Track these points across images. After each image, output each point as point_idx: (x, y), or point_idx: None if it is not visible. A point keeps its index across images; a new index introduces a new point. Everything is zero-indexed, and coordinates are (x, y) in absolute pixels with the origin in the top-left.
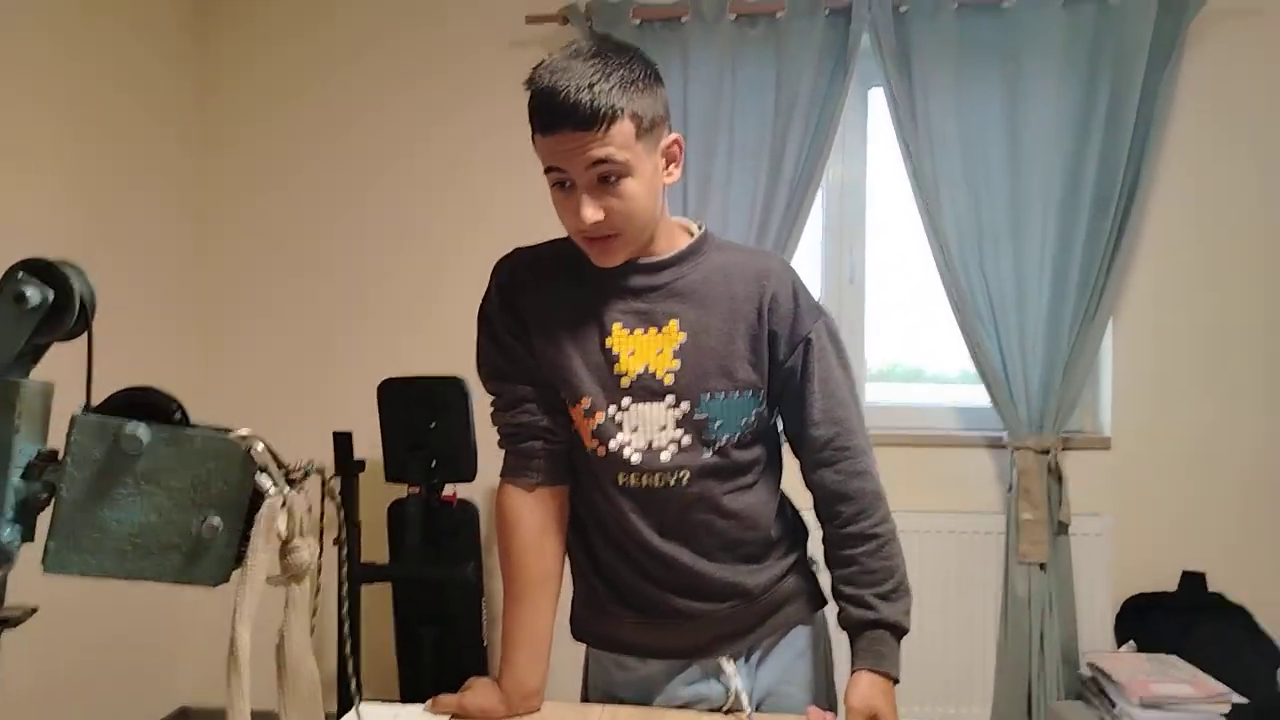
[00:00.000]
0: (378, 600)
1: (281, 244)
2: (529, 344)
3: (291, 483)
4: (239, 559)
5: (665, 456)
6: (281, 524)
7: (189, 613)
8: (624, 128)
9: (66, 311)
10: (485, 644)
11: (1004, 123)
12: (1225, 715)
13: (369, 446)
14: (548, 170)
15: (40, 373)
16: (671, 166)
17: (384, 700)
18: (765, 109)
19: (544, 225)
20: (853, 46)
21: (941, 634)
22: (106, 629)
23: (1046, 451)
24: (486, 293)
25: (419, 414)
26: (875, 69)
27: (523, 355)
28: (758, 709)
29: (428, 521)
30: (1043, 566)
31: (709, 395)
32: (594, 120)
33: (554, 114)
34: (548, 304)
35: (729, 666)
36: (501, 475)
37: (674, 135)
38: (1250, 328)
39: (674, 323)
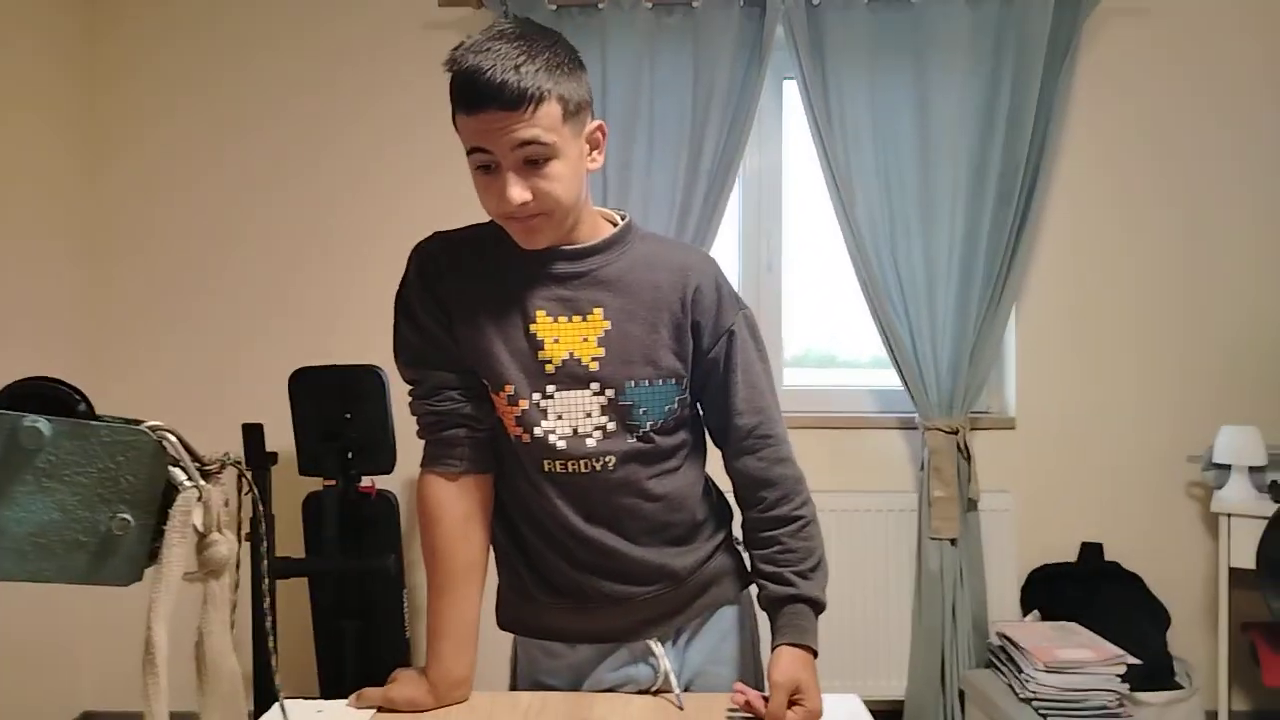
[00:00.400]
0: (294, 595)
1: (188, 232)
2: (450, 329)
3: (207, 475)
4: (152, 555)
5: (591, 443)
6: (198, 518)
7: (91, 612)
8: (551, 109)
9: None
10: (408, 637)
11: (914, 115)
12: (1121, 676)
13: (281, 438)
14: (470, 151)
15: None
16: (595, 152)
17: (305, 697)
18: (684, 98)
19: (462, 213)
20: (768, 37)
21: (860, 609)
22: (1, 631)
23: (956, 431)
24: (404, 277)
25: (334, 404)
26: (790, 60)
27: (444, 341)
28: (686, 689)
29: (345, 514)
30: (953, 542)
31: (633, 383)
32: (521, 100)
33: (479, 93)
34: (469, 289)
35: (658, 649)
36: (422, 465)
37: (597, 121)
38: (1141, 315)
39: (598, 310)
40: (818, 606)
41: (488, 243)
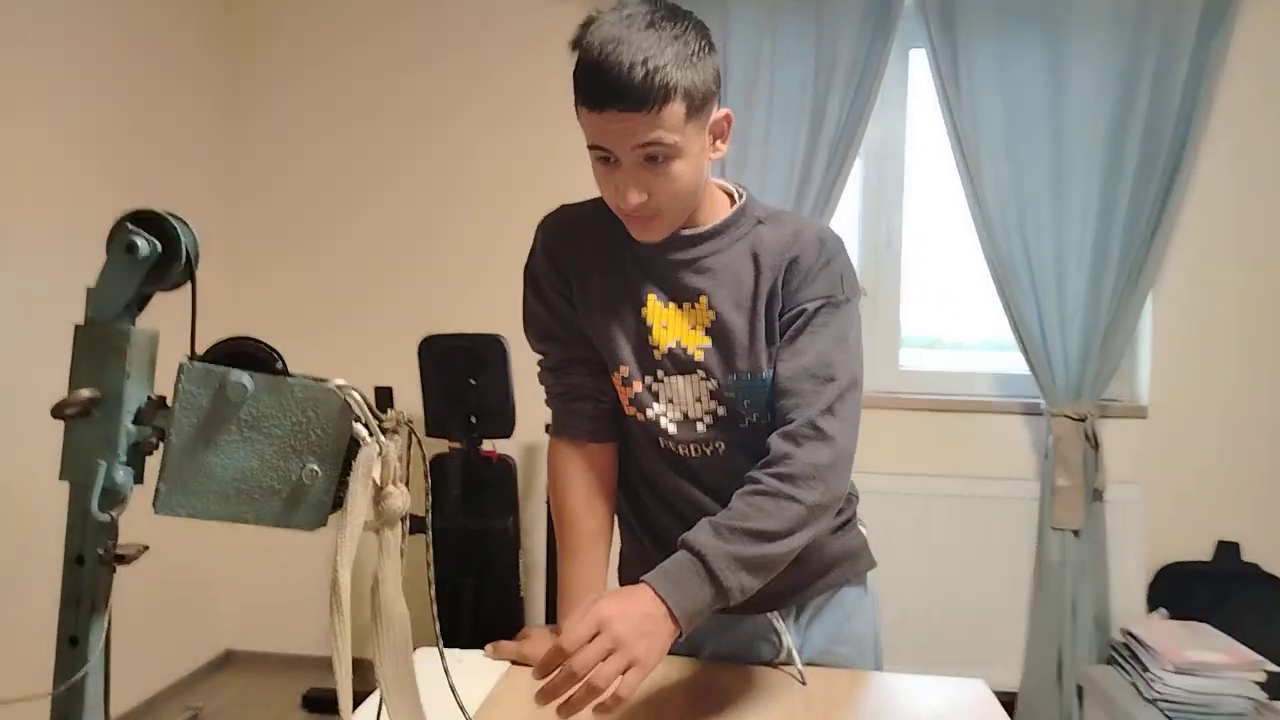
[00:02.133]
0: (416, 552)
1: (324, 201)
2: (574, 304)
3: (385, 433)
4: (335, 504)
5: (700, 428)
6: (376, 472)
7: (231, 558)
8: (675, 109)
9: (174, 262)
10: (521, 595)
11: (1047, 87)
12: (1260, 684)
13: (410, 402)
14: (591, 145)
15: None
16: (719, 142)
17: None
18: (806, 68)
19: (590, 182)
20: (896, 6)
21: (974, 597)
22: (150, 575)
23: (1083, 419)
24: (532, 250)
25: (459, 371)
26: (918, 29)
27: (569, 315)
28: (809, 665)
29: (468, 476)
30: (1076, 533)
31: (735, 377)
32: (646, 102)
33: (603, 92)
34: (590, 266)
35: (779, 624)
36: (552, 433)
37: (724, 111)
38: None
39: (704, 299)
40: (709, 571)
41: (611, 219)
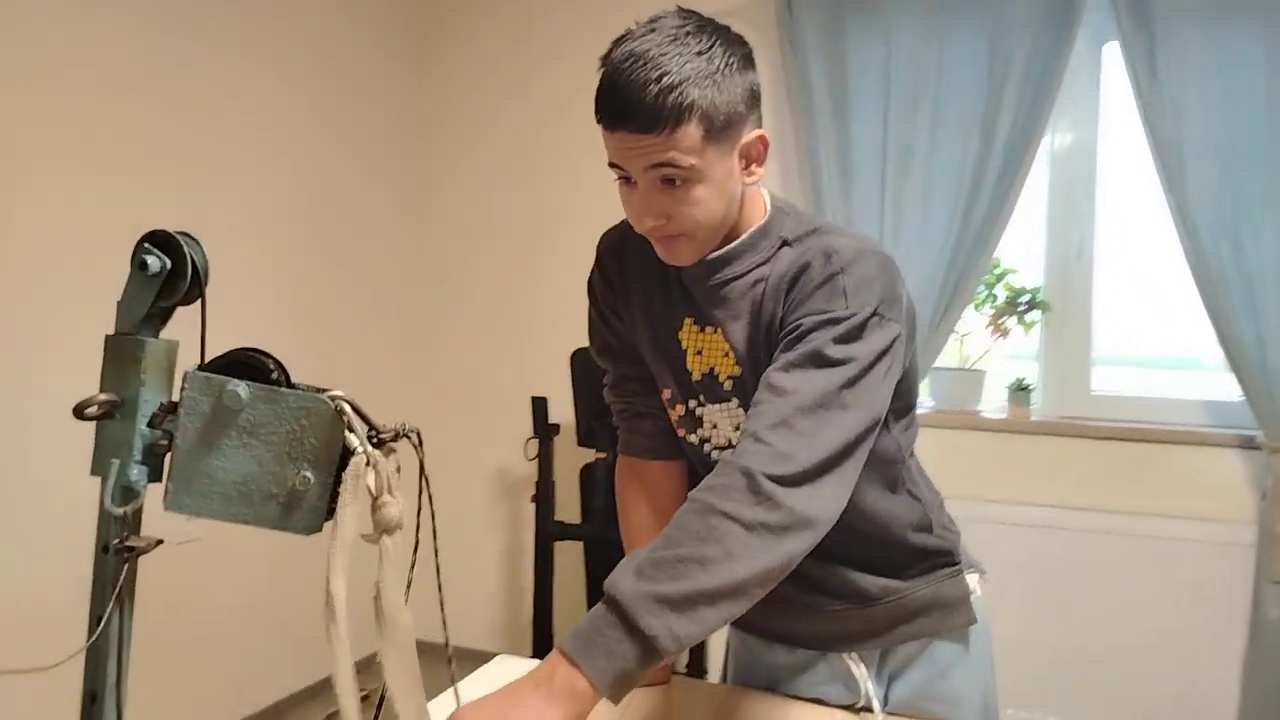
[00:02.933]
0: (574, 559)
1: (490, 222)
2: (626, 322)
3: (380, 444)
4: (331, 512)
5: None
6: (370, 481)
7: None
8: (690, 131)
9: (182, 278)
10: None
11: (1263, 77)
12: None
13: (564, 411)
14: (611, 164)
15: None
16: (753, 166)
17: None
18: (977, 71)
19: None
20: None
21: (1177, 654)
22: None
23: None
24: (593, 266)
25: None
26: (1108, 21)
27: (623, 332)
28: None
29: (613, 486)
30: None
31: None
32: (656, 123)
33: (615, 112)
34: (638, 284)
35: (858, 669)
36: (618, 451)
37: (757, 132)
38: None
39: (721, 330)
40: (626, 619)
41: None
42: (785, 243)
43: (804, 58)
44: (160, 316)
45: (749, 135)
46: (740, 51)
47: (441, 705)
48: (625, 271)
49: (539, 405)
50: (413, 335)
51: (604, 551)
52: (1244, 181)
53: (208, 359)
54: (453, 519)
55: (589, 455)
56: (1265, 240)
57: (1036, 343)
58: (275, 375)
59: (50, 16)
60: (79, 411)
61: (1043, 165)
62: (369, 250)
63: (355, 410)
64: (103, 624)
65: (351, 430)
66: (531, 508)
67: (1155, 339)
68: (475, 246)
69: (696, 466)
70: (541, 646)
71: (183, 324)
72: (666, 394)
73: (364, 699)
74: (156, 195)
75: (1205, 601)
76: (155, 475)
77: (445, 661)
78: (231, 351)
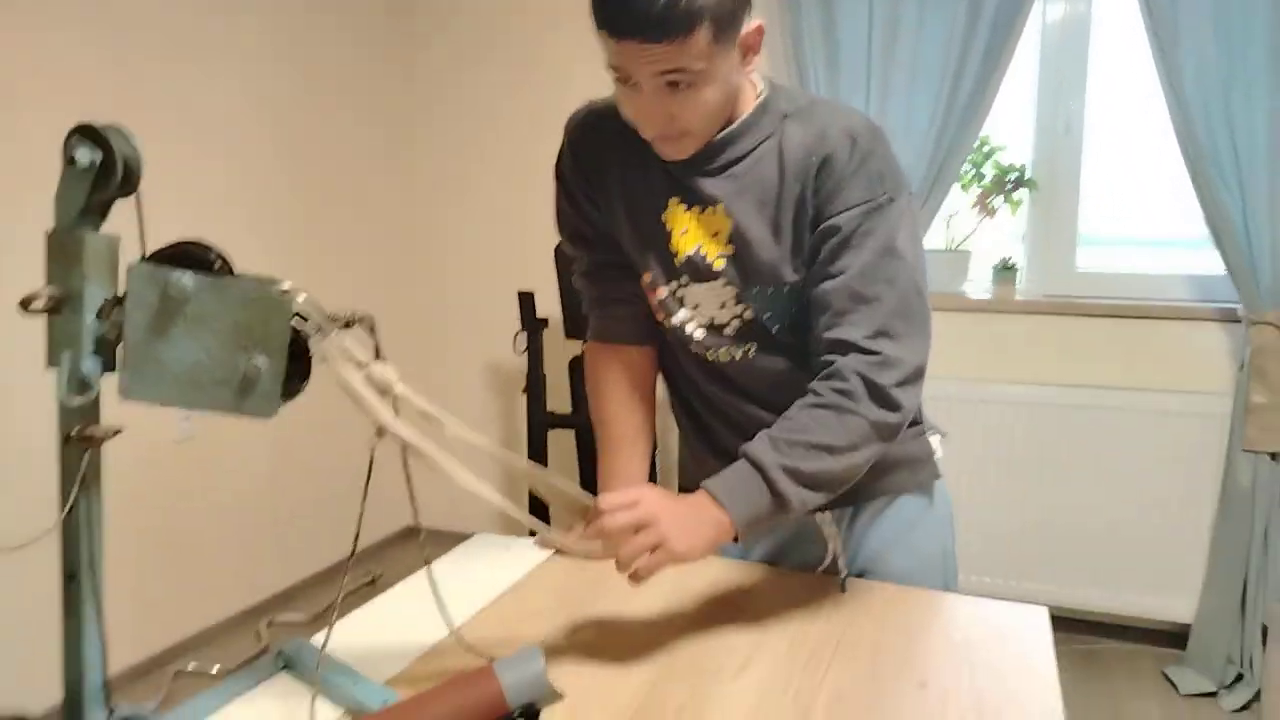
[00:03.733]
0: (566, 446)
1: (477, 128)
2: (601, 206)
3: (345, 325)
4: (288, 394)
5: (729, 332)
6: (357, 353)
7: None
8: (701, 35)
9: (114, 171)
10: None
11: None
12: None
13: (552, 305)
14: (610, 66)
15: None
16: (750, 56)
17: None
18: None
19: None
20: None
21: (1151, 520)
22: (343, 449)
23: None
24: (560, 150)
25: None
26: None
27: (596, 217)
28: (860, 575)
29: None
30: (1274, 457)
31: (756, 289)
32: (669, 32)
33: (622, 20)
34: (614, 168)
35: (829, 527)
36: (588, 338)
37: (755, 23)
38: None
39: (721, 206)
40: (768, 481)
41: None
42: (786, 116)
43: None
44: (99, 211)
45: (748, 26)
46: None
47: (416, 582)
48: (600, 156)
49: (526, 300)
50: (402, 238)
51: (593, 438)
52: (1239, 55)
53: (149, 252)
54: (450, 412)
55: (577, 347)
56: (1256, 115)
57: (1023, 222)
58: (218, 265)
59: None
60: (25, 305)
61: (1034, 38)
62: (360, 161)
63: (311, 300)
64: (68, 507)
65: (302, 316)
66: (524, 399)
67: (1142, 217)
68: (463, 150)
69: (675, 348)
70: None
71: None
72: (647, 278)
73: (370, 584)
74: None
75: (1181, 471)
76: (109, 365)
77: (420, 543)
78: (174, 244)
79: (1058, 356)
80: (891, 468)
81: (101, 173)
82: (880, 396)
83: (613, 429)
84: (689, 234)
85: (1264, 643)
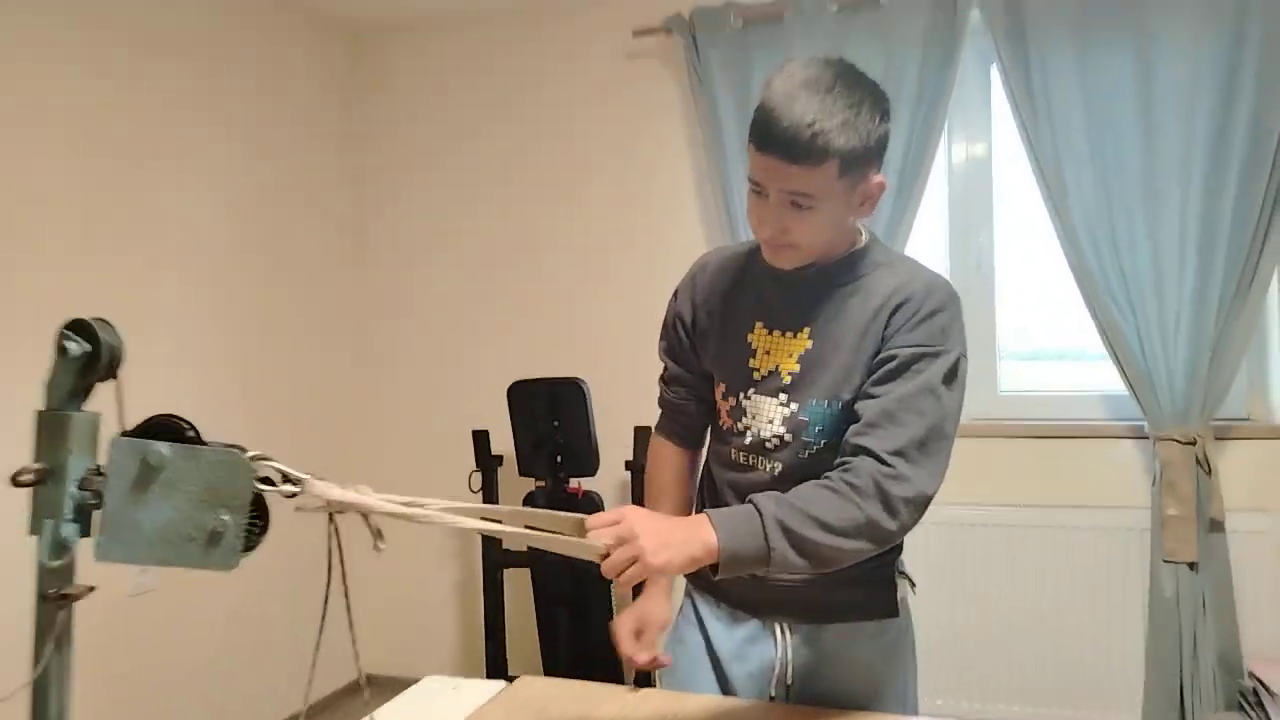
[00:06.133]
0: (522, 585)
1: (427, 260)
2: (694, 338)
3: (296, 482)
4: (247, 549)
5: (768, 446)
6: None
7: (374, 588)
8: (829, 169)
9: (99, 360)
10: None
11: (1135, 88)
12: None
13: (505, 442)
14: (750, 178)
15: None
16: (866, 204)
17: (535, 674)
18: None
19: (668, 251)
20: (960, 25)
21: (1088, 635)
22: (296, 605)
23: (1194, 442)
24: (683, 278)
25: (543, 413)
26: (991, 46)
27: (688, 345)
28: (803, 683)
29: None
30: (1192, 566)
31: (814, 402)
32: (804, 158)
33: (770, 139)
34: (716, 295)
35: (782, 635)
36: (655, 429)
37: (879, 178)
38: None
39: (806, 330)
40: (762, 526)
41: (746, 258)
42: (880, 265)
43: (711, 90)
44: (83, 392)
45: (872, 179)
46: (881, 107)
47: None
48: (714, 287)
49: (480, 438)
50: (354, 374)
51: (551, 574)
52: (1117, 189)
53: (128, 426)
54: (404, 552)
55: (530, 484)
56: (1139, 243)
57: None
58: (190, 434)
59: None
60: (15, 480)
61: (942, 180)
62: (309, 294)
63: (272, 463)
64: (43, 663)
65: (264, 480)
66: (479, 538)
67: (1053, 335)
68: (412, 286)
69: (729, 448)
70: (495, 668)
71: (128, 390)
72: (722, 388)
73: None
74: (90, 247)
75: (1115, 583)
76: (85, 531)
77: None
78: (150, 418)
79: (986, 476)
80: (854, 598)
81: (88, 362)
82: (884, 500)
83: (662, 495)
84: (770, 354)
85: None
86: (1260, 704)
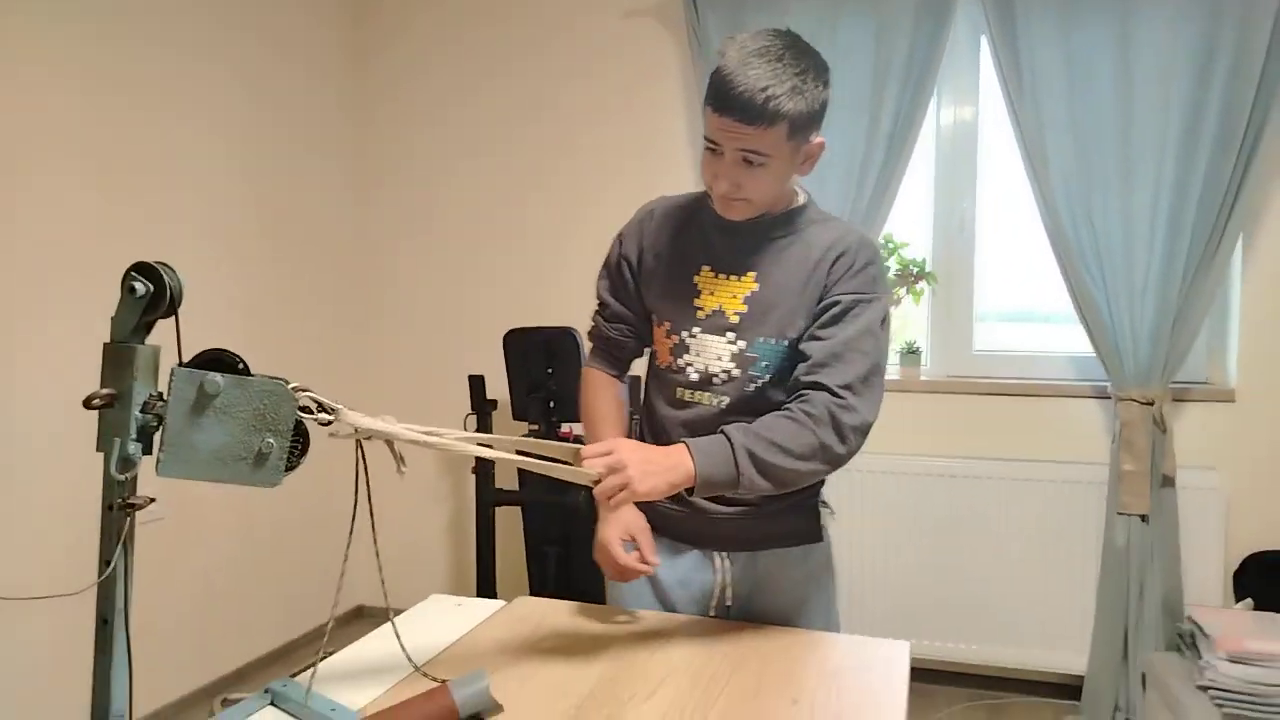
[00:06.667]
0: (513, 522)
1: (428, 210)
2: (639, 279)
3: (331, 410)
4: (288, 468)
5: (715, 382)
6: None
7: (363, 521)
8: (778, 130)
9: (162, 299)
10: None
11: (1115, 62)
12: None
13: (501, 388)
14: (706, 137)
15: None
16: (807, 164)
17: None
18: (865, 63)
19: (660, 186)
20: None
21: (1043, 580)
22: (293, 540)
23: (1152, 403)
24: (628, 222)
25: (538, 361)
26: (980, 15)
27: (631, 286)
28: (740, 604)
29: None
30: (1144, 518)
31: (761, 339)
32: (758, 121)
33: (726, 101)
34: (664, 243)
35: (720, 562)
36: (587, 362)
37: (820, 139)
38: None
39: (751, 274)
40: (733, 453)
41: (693, 207)
42: (814, 221)
43: (709, 51)
44: (145, 328)
45: (814, 139)
46: (824, 76)
47: (380, 636)
48: (660, 232)
49: (476, 383)
50: (357, 321)
51: (540, 512)
52: (1098, 159)
53: (186, 358)
54: (402, 492)
55: (523, 428)
56: (1113, 213)
57: (925, 310)
58: (240, 367)
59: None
60: (88, 403)
61: (930, 145)
62: (313, 244)
63: (310, 394)
64: (112, 565)
65: (305, 409)
66: (473, 478)
67: (1028, 298)
68: (412, 235)
69: (671, 385)
70: (487, 597)
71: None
72: (666, 326)
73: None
74: (116, 198)
75: (1071, 533)
76: (147, 449)
77: (386, 611)
78: (203, 352)
79: (958, 431)
80: (786, 525)
81: (152, 300)
82: (837, 428)
83: (601, 422)
84: (714, 294)
85: (1144, 690)
86: (1194, 645)
